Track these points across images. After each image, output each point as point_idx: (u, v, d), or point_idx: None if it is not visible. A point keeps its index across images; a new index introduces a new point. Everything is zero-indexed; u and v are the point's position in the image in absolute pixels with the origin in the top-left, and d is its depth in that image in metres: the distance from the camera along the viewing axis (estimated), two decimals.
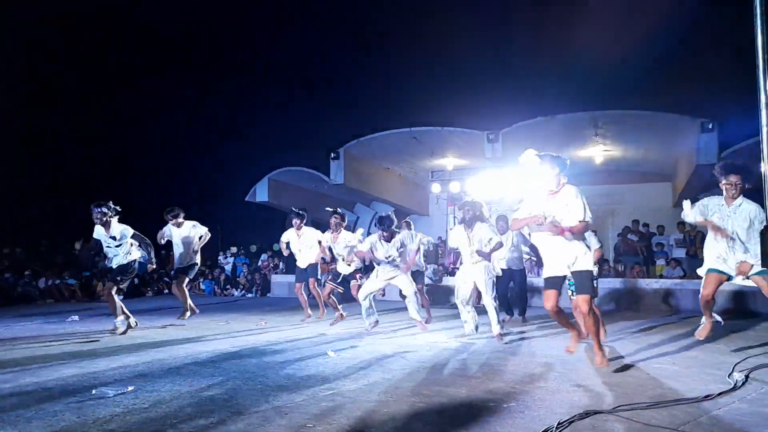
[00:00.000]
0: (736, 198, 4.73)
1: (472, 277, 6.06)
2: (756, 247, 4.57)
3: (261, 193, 15.48)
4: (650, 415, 3.14)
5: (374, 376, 4.26)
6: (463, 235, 6.08)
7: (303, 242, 8.12)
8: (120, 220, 6.96)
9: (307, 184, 15.80)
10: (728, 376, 4.11)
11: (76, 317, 8.72)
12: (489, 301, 6.01)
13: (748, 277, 4.73)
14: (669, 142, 11.99)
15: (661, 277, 11.40)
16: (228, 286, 15.75)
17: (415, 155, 14.21)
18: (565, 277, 4.53)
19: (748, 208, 4.70)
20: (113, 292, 6.87)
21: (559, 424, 2.94)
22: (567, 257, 4.40)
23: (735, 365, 4.52)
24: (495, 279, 6.25)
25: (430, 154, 13.97)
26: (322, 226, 18.00)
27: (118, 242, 6.83)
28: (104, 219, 6.75)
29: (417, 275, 8.12)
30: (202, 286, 16.10)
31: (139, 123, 22.52)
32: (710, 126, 10.58)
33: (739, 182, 4.69)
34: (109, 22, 20.94)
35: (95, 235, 7.26)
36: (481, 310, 6.28)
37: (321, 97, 24.35)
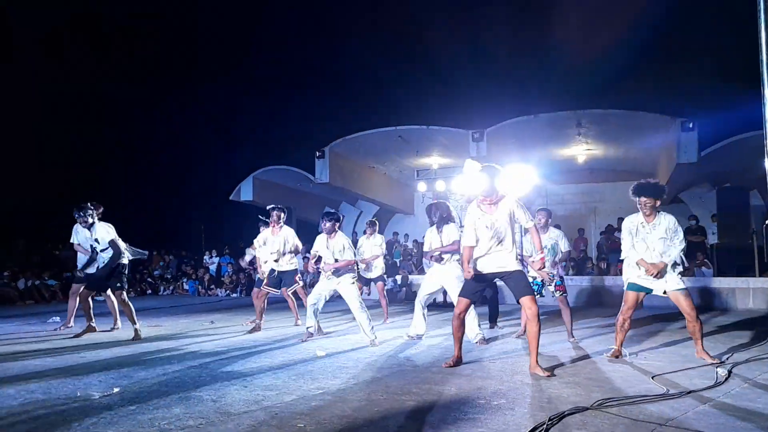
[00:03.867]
0: (652, 217, 4.77)
1: (439, 279, 5.99)
2: (673, 256, 4.68)
3: (246, 191, 15.34)
4: (638, 410, 3.18)
5: (363, 375, 4.26)
6: (435, 237, 6.07)
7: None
8: (104, 220, 6.74)
9: (292, 183, 15.70)
10: (717, 368, 4.19)
11: (57, 318, 8.56)
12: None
13: (665, 292, 4.74)
14: (650, 141, 12.15)
15: None
16: (212, 286, 15.60)
17: (401, 154, 14.21)
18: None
19: (665, 222, 4.75)
20: (124, 297, 6.59)
21: (549, 419, 2.96)
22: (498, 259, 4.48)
23: (719, 360, 4.61)
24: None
25: (415, 153, 13.98)
26: (308, 225, 17.83)
27: (103, 248, 6.55)
28: (90, 222, 6.60)
29: (378, 278, 8.18)
30: (186, 287, 15.93)
31: (123, 123, 22.23)
32: (690, 125, 10.74)
33: (649, 202, 4.72)
34: (95, 22, 20.63)
35: (77, 239, 7.10)
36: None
37: (306, 96, 24.24)
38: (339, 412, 3.23)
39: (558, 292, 6.03)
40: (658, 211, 4.80)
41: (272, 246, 7.16)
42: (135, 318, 6.50)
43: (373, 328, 5.90)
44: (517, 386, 3.84)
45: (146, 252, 7.20)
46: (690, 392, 3.58)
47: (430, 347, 5.60)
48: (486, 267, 4.49)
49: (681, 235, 4.77)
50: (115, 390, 3.78)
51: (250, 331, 6.94)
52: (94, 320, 6.95)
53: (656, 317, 8.11)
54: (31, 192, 18.32)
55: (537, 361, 4.25)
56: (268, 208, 7.35)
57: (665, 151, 12.09)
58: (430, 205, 6.31)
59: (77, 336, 6.62)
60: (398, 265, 13.70)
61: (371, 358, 5.04)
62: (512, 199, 4.52)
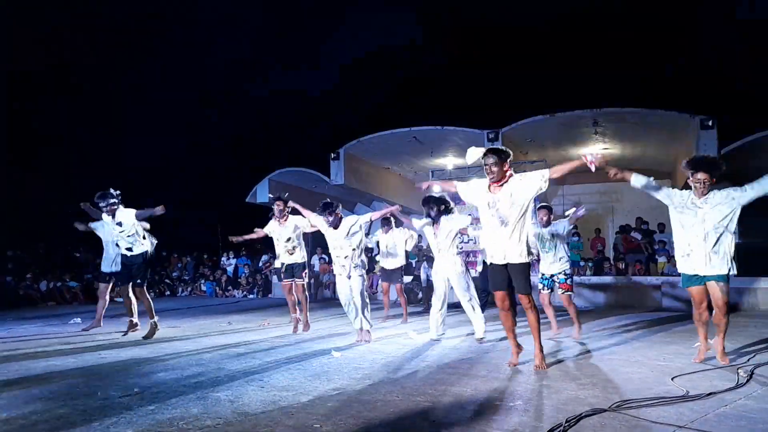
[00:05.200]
0: (705, 194, 4.42)
1: (444, 273, 6.04)
2: (727, 248, 4.39)
3: (261, 193, 15.44)
4: (657, 412, 3.14)
5: (379, 376, 4.26)
6: (429, 231, 6.14)
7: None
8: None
9: (307, 185, 15.77)
10: (738, 370, 4.12)
11: (78, 320, 8.71)
12: (463, 300, 6.02)
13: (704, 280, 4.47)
14: (668, 140, 11.98)
15: (662, 274, 11.40)
16: (229, 288, 15.74)
17: (415, 155, 14.19)
18: (505, 266, 4.41)
19: (720, 195, 4.38)
20: (145, 292, 6.85)
21: (567, 421, 2.94)
22: (504, 249, 4.37)
23: (743, 361, 4.53)
24: (469, 273, 6.18)
25: (430, 154, 13.95)
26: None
27: (124, 229, 6.65)
28: (113, 208, 6.58)
29: (394, 273, 8.28)
30: (203, 288, 16.10)
31: (139, 123, 22.52)
32: (709, 123, 10.56)
33: (707, 180, 4.37)
34: (108, 20, 20.92)
35: (98, 225, 7.13)
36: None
37: (321, 97, 24.33)
38: (355, 413, 3.23)
39: (561, 290, 5.99)
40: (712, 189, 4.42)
41: (283, 236, 7.12)
42: (154, 312, 6.73)
43: (367, 319, 6.05)
44: (534, 387, 3.81)
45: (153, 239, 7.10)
46: (710, 394, 3.52)
47: (446, 348, 5.59)
48: (495, 257, 4.44)
49: (737, 208, 4.35)
50: (135, 390, 3.84)
51: (294, 330, 7.00)
52: (136, 317, 7.08)
53: (674, 317, 7.99)
54: (50, 195, 18.65)
55: (540, 352, 4.35)
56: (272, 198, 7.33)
57: (684, 150, 11.89)
58: (427, 198, 6.20)
59: (126, 333, 6.87)
60: (413, 266, 13.69)
61: (387, 358, 5.04)
62: (516, 177, 4.35)
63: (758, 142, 10.73)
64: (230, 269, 16.59)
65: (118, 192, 6.67)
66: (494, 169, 4.31)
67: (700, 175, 4.38)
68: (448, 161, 14.48)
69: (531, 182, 4.31)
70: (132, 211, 6.66)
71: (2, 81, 17.79)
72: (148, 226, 6.94)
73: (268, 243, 7.69)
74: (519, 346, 4.65)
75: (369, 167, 14.75)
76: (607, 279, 11.28)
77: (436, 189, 6.21)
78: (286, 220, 7.15)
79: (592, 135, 11.95)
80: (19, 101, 18.25)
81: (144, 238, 6.85)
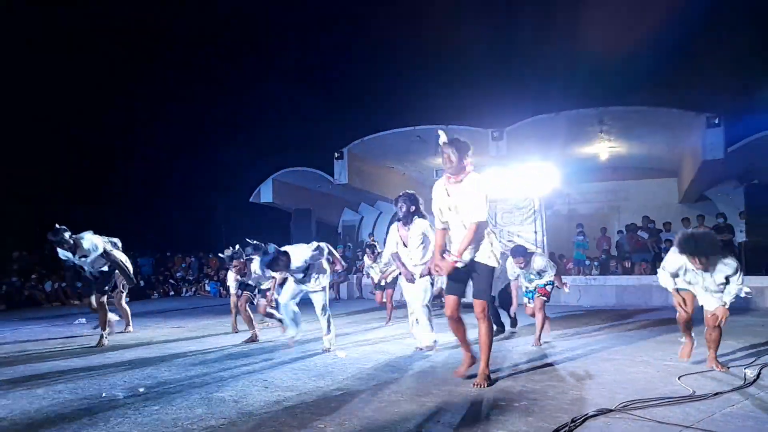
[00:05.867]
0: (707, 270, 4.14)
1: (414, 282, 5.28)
2: (733, 292, 4.21)
3: (265, 193, 15.48)
4: (663, 412, 3.12)
5: (384, 377, 4.25)
6: (396, 235, 5.33)
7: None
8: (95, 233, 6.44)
9: (311, 185, 15.78)
10: (745, 369, 4.08)
11: (83, 320, 8.74)
12: (419, 309, 5.33)
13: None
14: (675, 138, 11.92)
15: None
16: None
17: (419, 154, 14.16)
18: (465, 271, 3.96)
19: (722, 269, 4.13)
20: (103, 301, 6.41)
21: (572, 420, 2.92)
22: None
23: (750, 361, 4.49)
24: (435, 286, 5.63)
25: (434, 153, 13.85)
26: (326, 226, 17.79)
27: (93, 255, 6.34)
28: (69, 247, 6.23)
29: (388, 282, 8.07)
30: (207, 288, 16.13)
31: (143, 124, 22.59)
32: (716, 121, 10.48)
33: (705, 263, 4.03)
34: (111, 20, 20.98)
35: (62, 256, 6.52)
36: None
37: (325, 97, 24.35)
38: (359, 413, 3.23)
39: (537, 293, 5.66)
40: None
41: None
42: (107, 326, 6.31)
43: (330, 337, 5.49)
44: (540, 388, 3.79)
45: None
46: (717, 394, 3.50)
47: (450, 348, 5.57)
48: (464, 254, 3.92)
49: (740, 278, 4.13)
50: (140, 390, 3.84)
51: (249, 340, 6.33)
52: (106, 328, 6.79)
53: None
54: (54, 198, 18.74)
55: (486, 366, 3.91)
56: (229, 253, 6.76)
57: (690, 148, 11.84)
58: (397, 197, 5.42)
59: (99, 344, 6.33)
60: None
61: (390, 358, 5.03)
62: (476, 179, 3.90)
63: (765, 140, 10.66)
64: None
65: (63, 228, 6.26)
66: (452, 158, 3.89)
67: (697, 262, 4.05)
68: None
69: (477, 200, 3.86)
70: (99, 240, 6.33)
71: (4, 79, 17.89)
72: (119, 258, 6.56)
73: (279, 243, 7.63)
74: (473, 357, 4.14)
75: (373, 166, 14.74)
76: (612, 278, 11.23)
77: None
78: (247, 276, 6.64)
79: (597, 134, 11.90)
80: (20, 100, 18.32)
81: (110, 251, 6.49)
